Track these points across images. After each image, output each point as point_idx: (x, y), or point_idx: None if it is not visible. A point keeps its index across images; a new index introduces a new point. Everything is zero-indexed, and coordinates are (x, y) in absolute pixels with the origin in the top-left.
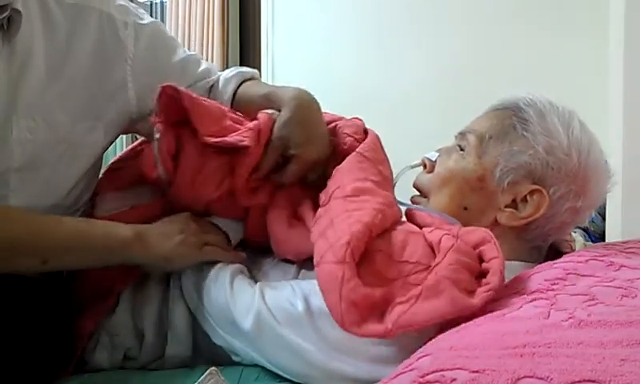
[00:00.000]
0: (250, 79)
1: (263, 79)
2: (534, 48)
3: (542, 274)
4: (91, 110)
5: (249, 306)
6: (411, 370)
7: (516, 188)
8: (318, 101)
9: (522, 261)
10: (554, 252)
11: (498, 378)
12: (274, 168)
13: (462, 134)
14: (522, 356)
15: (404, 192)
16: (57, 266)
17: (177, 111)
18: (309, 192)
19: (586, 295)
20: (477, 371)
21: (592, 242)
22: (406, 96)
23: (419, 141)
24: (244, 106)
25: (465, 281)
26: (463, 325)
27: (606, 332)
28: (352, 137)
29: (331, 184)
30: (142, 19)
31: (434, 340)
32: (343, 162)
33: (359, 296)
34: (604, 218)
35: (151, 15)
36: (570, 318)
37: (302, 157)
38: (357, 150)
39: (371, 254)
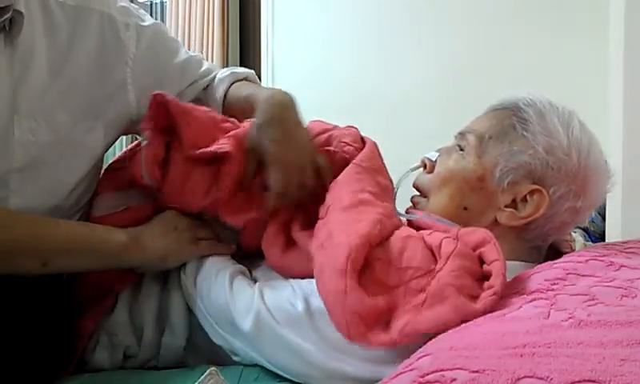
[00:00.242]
0: (243, 79)
1: (263, 79)
2: (534, 48)
3: (542, 274)
4: (91, 111)
5: (248, 306)
6: (411, 370)
7: (516, 188)
8: (315, 100)
9: (521, 261)
10: (554, 252)
11: (498, 378)
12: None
13: (461, 134)
14: (522, 356)
15: (404, 195)
16: (56, 268)
17: (167, 117)
18: (303, 211)
19: (586, 295)
20: (477, 371)
21: (592, 241)
22: (406, 96)
23: (419, 141)
24: (233, 109)
25: (468, 286)
26: (463, 325)
27: (606, 332)
28: (352, 146)
29: (329, 198)
30: (143, 21)
31: (434, 340)
32: (340, 175)
33: (363, 307)
34: (604, 218)
35: (151, 15)
36: (570, 317)
37: (279, 157)
38: (354, 161)
39: (371, 263)
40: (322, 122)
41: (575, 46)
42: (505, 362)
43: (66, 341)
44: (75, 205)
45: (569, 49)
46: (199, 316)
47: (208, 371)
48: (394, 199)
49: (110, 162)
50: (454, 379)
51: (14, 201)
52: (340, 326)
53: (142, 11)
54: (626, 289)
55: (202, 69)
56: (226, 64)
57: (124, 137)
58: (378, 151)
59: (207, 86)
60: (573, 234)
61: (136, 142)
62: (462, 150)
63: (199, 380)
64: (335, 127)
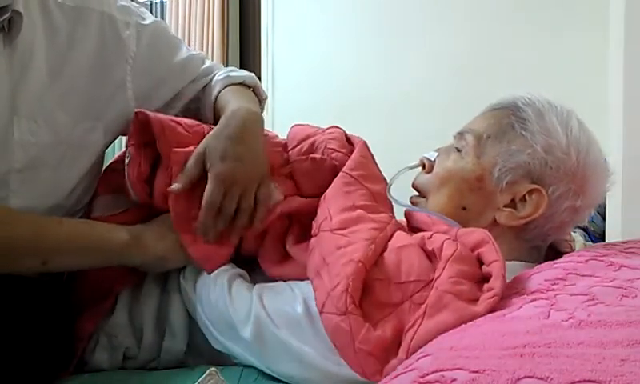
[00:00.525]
0: (240, 83)
1: (263, 79)
2: (534, 48)
3: (542, 274)
4: (91, 111)
5: (247, 312)
6: (411, 370)
7: (515, 187)
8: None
9: (521, 261)
10: (554, 252)
11: (498, 378)
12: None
13: (460, 134)
14: (521, 356)
15: (402, 193)
16: (57, 267)
17: (152, 134)
18: (297, 224)
19: (586, 295)
20: (477, 371)
21: (592, 241)
22: (406, 96)
23: (419, 141)
24: (219, 115)
25: (466, 291)
26: (463, 325)
27: (606, 332)
28: (340, 152)
29: (320, 214)
30: (144, 19)
31: (434, 340)
32: (329, 188)
33: (372, 345)
34: (604, 218)
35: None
36: (570, 318)
37: (213, 172)
38: (343, 169)
39: (370, 285)
40: (304, 125)
41: (575, 45)
42: (505, 362)
43: (65, 341)
44: (75, 205)
45: (569, 48)
46: (199, 321)
47: (208, 371)
48: (389, 191)
49: (110, 162)
50: (454, 379)
51: (14, 201)
52: (354, 368)
53: (142, 9)
54: (626, 289)
55: (203, 67)
56: (226, 64)
57: (124, 138)
58: (368, 150)
59: (206, 86)
60: (573, 233)
61: (123, 151)
62: (460, 150)
63: (199, 380)
64: (318, 131)
